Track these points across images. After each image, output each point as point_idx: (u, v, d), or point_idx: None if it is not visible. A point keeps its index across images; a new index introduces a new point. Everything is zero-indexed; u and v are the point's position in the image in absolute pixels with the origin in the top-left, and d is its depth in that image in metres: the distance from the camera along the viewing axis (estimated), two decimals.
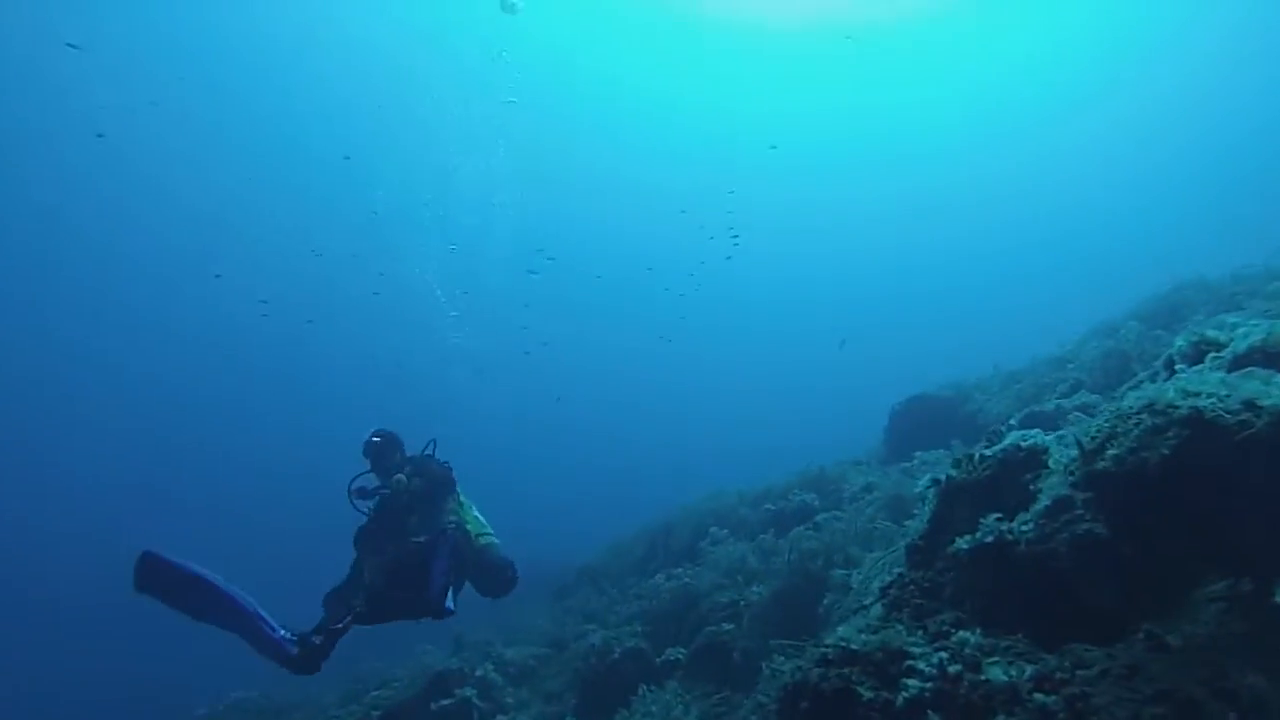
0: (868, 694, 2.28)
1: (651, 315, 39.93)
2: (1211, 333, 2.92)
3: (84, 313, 37.21)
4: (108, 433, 38.86)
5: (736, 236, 27.04)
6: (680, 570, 8.08)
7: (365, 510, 5.17)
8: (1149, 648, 2.31)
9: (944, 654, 2.32)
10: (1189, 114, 35.42)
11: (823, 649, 2.58)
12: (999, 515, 2.78)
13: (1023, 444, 3.09)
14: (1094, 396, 6.90)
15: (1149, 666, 2.02)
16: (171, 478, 39.51)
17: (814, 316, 41.37)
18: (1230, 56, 31.28)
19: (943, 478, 3.33)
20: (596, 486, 34.92)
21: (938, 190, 39.62)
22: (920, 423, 10.13)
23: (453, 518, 5.26)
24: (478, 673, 8.30)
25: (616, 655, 6.89)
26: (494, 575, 5.26)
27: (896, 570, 3.31)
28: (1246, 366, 2.43)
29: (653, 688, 5.88)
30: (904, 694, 2.22)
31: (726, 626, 6.16)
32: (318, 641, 4.41)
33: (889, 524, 5.93)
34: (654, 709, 5.64)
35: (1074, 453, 2.67)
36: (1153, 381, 3.42)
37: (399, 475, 5.19)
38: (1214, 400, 2.12)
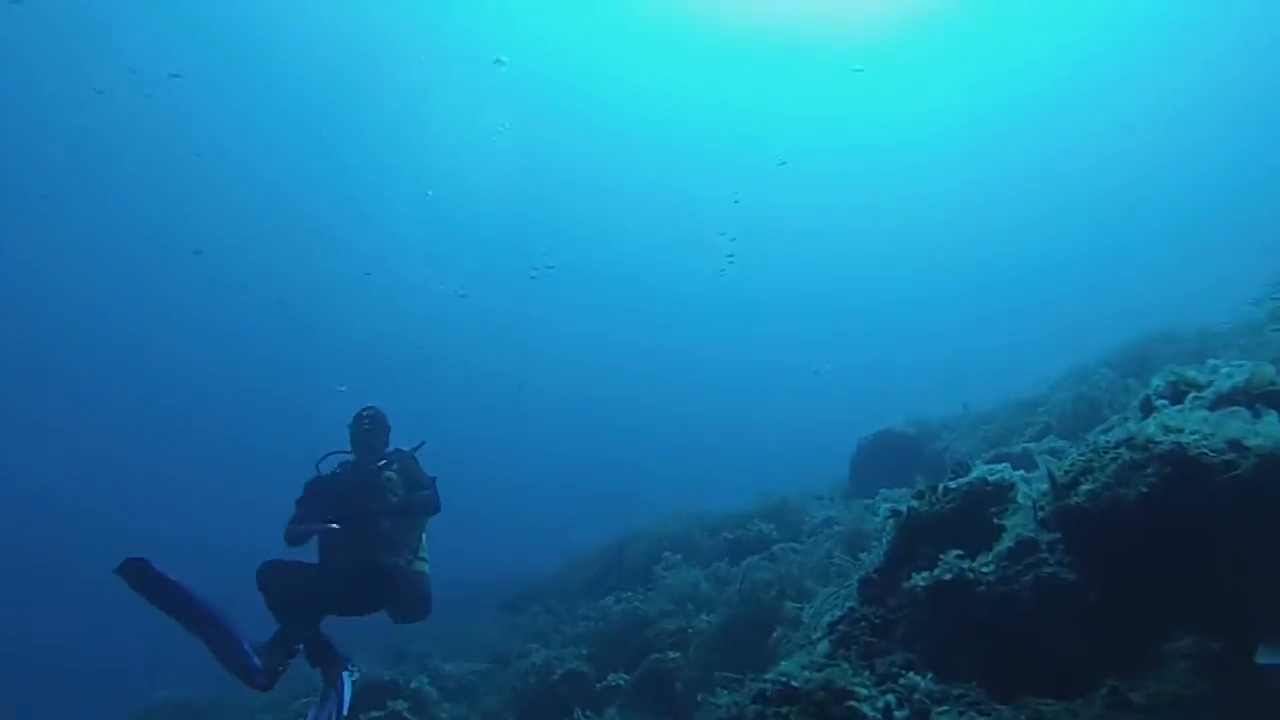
0: None
1: (652, 314, 40.33)
2: (1191, 373, 2.78)
3: (82, 308, 35.97)
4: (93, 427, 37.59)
5: (732, 255, 27.42)
6: (631, 594, 7.81)
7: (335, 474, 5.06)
8: (1110, 704, 2.14)
9: (891, 697, 2.14)
10: (1169, 134, 34.88)
11: (761, 684, 2.40)
12: (960, 552, 2.62)
13: (989, 478, 2.94)
14: (1063, 442, 6.82)
15: None
16: (161, 463, 38.13)
17: (803, 331, 40.81)
18: (1230, 57, 30.91)
19: (903, 509, 3.15)
20: (571, 490, 34.26)
21: (926, 205, 39.13)
22: (886, 458, 10.19)
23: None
24: (412, 685, 7.93)
25: (557, 676, 6.62)
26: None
27: (848, 605, 3.11)
28: (1229, 407, 2.28)
29: (589, 714, 5.58)
30: None
31: (672, 655, 5.92)
32: (281, 670, 4.38)
33: (847, 559, 5.74)
34: None
35: (1044, 486, 2.50)
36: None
37: (388, 473, 5.02)
38: (1198, 437, 1.95)
